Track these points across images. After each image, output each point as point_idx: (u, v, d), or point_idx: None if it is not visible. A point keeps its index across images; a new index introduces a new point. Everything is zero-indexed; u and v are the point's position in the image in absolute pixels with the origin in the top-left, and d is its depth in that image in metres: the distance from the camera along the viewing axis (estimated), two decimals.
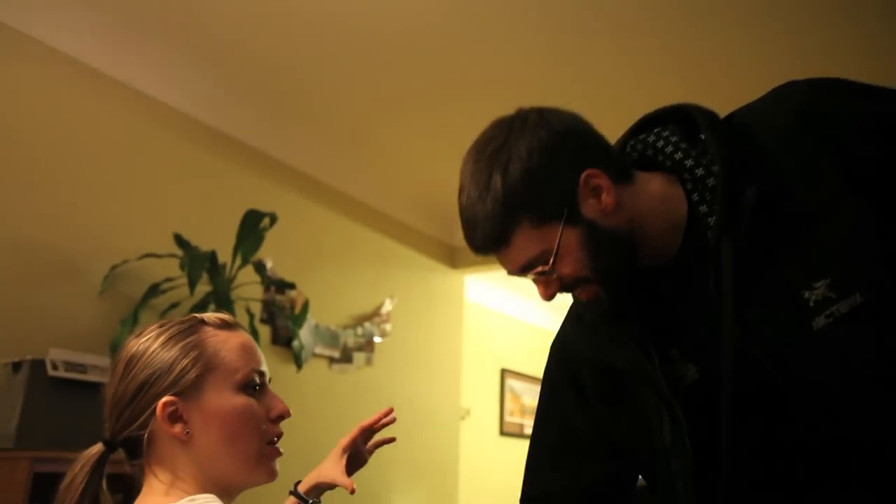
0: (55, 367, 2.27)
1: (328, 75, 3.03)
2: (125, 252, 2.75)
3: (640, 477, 1.12)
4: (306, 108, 3.33)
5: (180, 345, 0.93)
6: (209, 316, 0.99)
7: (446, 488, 4.47)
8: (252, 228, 2.80)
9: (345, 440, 1.32)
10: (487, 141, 0.97)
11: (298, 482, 1.30)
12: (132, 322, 2.56)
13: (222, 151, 3.38)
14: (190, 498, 0.86)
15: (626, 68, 2.98)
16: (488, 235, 0.96)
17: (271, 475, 0.95)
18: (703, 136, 0.96)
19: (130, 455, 0.93)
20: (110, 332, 2.60)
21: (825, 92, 0.96)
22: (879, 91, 0.95)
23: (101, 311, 2.70)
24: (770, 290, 0.90)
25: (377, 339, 4.05)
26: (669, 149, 0.99)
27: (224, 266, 2.77)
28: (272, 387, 1.00)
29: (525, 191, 0.93)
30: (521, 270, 0.98)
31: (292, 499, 1.27)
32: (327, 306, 3.78)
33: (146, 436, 0.90)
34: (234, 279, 2.80)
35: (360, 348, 3.93)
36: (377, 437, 1.38)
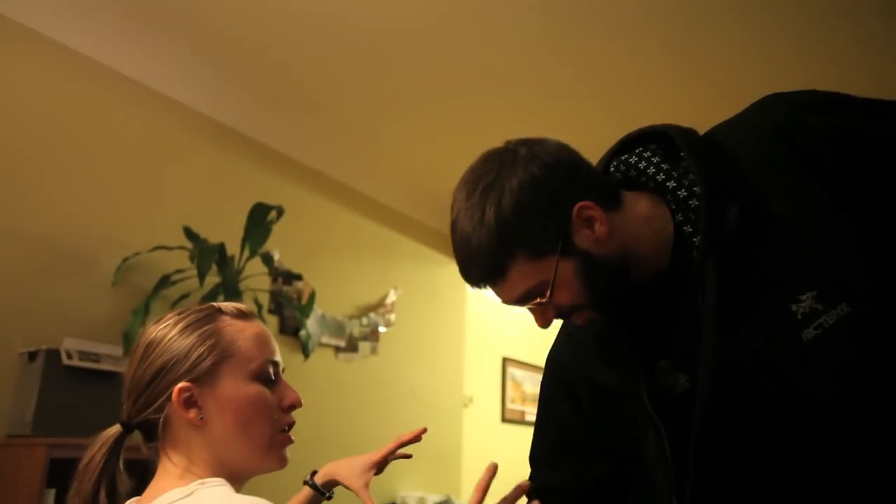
0: (69, 356, 2.32)
1: (334, 71, 3.06)
2: (136, 245, 2.80)
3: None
4: (312, 104, 3.35)
5: (198, 332, 0.94)
6: (226, 305, 1.00)
7: (449, 474, 4.53)
8: (259, 221, 2.84)
9: (377, 456, 1.31)
10: (479, 177, 0.97)
11: (314, 472, 1.31)
12: (144, 312, 2.61)
13: (231, 147, 3.42)
14: (200, 481, 0.88)
15: (626, 68, 2.99)
16: (483, 270, 0.97)
17: (282, 462, 0.97)
18: (683, 161, 0.97)
19: (147, 437, 0.96)
20: (123, 323, 2.66)
21: (803, 107, 0.96)
22: (859, 104, 0.96)
23: (113, 301, 2.75)
24: (758, 305, 0.91)
25: (382, 329, 4.09)
26: (651, 170, 0.99)
27: (232, 258, 2.81)
28: (284, 376, 1.02)
29: (519, 226, 0.93)
30: (518, 302, 0.99)
31: (307, 489, 1.28)
32: (333, 297, 3.83)
33: (162, 420, 0.92)
34: (243, 270, 2.85)
35: (365, 338, 3.98)
36: (399, 451, 1.37)
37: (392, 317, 4.18)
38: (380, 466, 1.32)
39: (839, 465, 0.89)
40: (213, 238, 2.78)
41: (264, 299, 3.26)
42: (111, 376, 2.39)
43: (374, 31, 2.77)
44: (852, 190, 0.89)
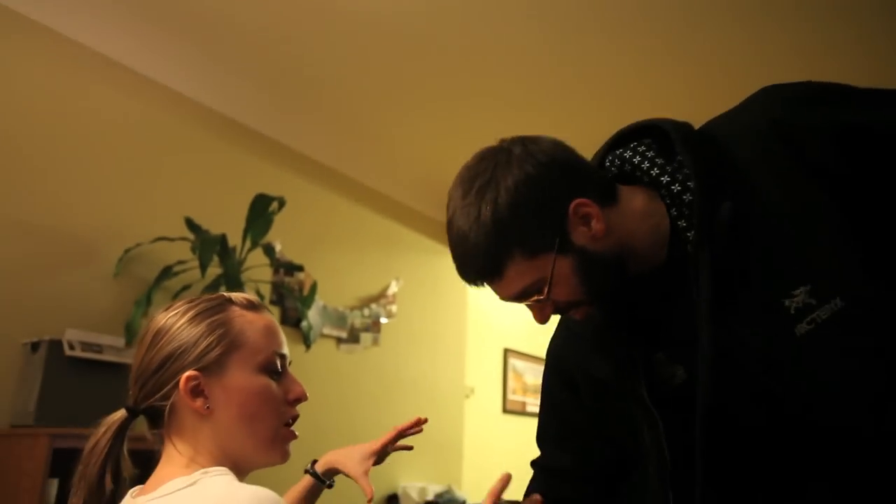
0: (72, 347, 2.33)
1: (336, 62, 3.05)
2: (138, 236, 2.80)
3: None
4: (314, 95, 3.35)
5: (207, 322, 0.95)
6: (237, 296, 1.00)
7: (451, 464, 4.55)
8: (261, 212, 2.84)
9: (377, 444, 1.32)
10: (474, 176, 0.97)
11: (315, 461, 1.32)
12: (146, 303, 2.62)
13: (232, 138, 3.42)
14: (203, 470, 0.88)
15: (627, 68, 2.99)
16: (480, 269, 0.97)
17: (284, 457, 0.97)
18: (679, 156, 0.97)
19: (152, 424, 0.96)
20: (125, 314, 2.66)
21: (801, 99, 0.96)
22: (858, 95, 0.95)
23: (115, 293, 2.76)
24: (752, 300, 0.91)
25: (383, 320, 4.10)
26: (646, 164, 0.99)
27: (234, 249, 2.81)
28: (290, 369, 1.03)
29: (515, 225, 0.93)
30: (516, 299, 0.99)
31: (308, 477, 1.29)
32: (335, 288, 3.83)
33: (168, 407, 0.92)
34: (244, 262, 2.85)
35: (366, 329, 3.99)
36: (400, 441, 1.39)
37: (394, 308, 4.19)
38: (379, 456, 1.34)
39: (834, 455, 0.89)
40: (215, 229, 2.79)
41: (266, 290, 3.27)
42: (113, 367, 2.40)
43: (377, 22, 2.77)
44: (850, 183, 0.89)
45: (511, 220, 0.94)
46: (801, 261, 0.89)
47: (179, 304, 0.99)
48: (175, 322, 0.95)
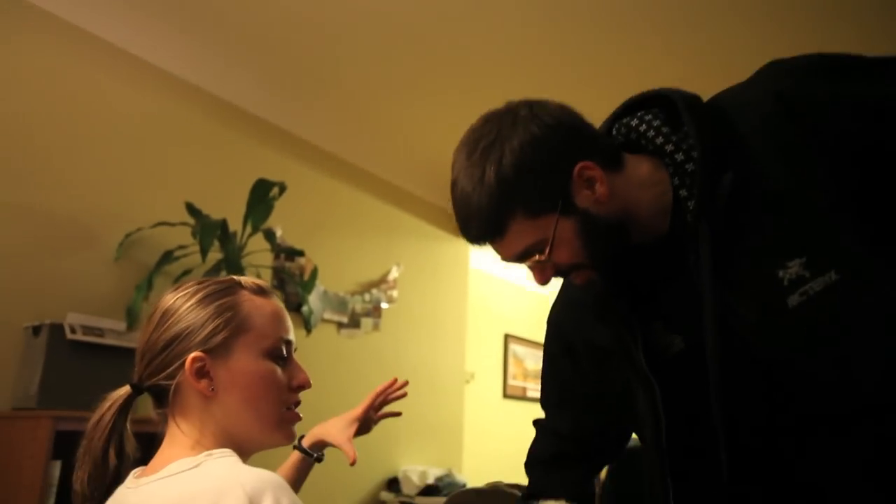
0: (73, 330, 2.34)
1: (337, 48, 3.04)
2: (139, 220, 2.80)
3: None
4: (315, 81, 3.34)
5: (215, 304, 0.95)
6: (246, 280, 1.01)
7: (451, 449, 4.57)
8: (262, 197, 2.84)
9: (358, 410, 1.34)
10: (479, 137, 0.98)
11: (302, 436, 1.33)
12: (147, 288, 2.62)
13: (233, 123, 3.42)
14: (207, 452, 0.89)
15: (627, 66, 2.97)
16: (483, 228, 0.97)
17: (290, 438, 0.99)
18: (684, 126, 0.97)
19: (156, 403, 0.97)
20: (126, 298, 2.67)
21: (806, 72, 0.96)
22: (867, 65, 0.95)
23: (116, 277, 2.76)
24: (746, 270, 0.92)
25: (384, 305, 4.11)
26: (651, 133, 1.00)
27: (235, 234, 2.81)
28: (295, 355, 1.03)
29: (519, 185, 0.94)
30: (517, 259, 1.00)
31: (296, 453, 1.30)
32: (335, 273, 3.84)
33: (173, 387, 0.93)
34: (245, 247, 2.85)
35: (367, 314, 3.99)
36: (386, 408, 1.41)
37: (394, 293, 4.19)
38: (363, 423, 1.35)
39: (818, 436, 0.91)
40: (216, 214, 2.79)
41: (266, 275, 3.28)
42: (115, 351, 2.41)
43: (378, 8, 2.75)
44: (853, 156, 0.89)
45: (515, 181, 0.94)
46: (798, 233, 0.90)
47: (189, 284, 0.99)
48: (184, 303, 0.96)
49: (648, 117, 1.02)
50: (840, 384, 0.88)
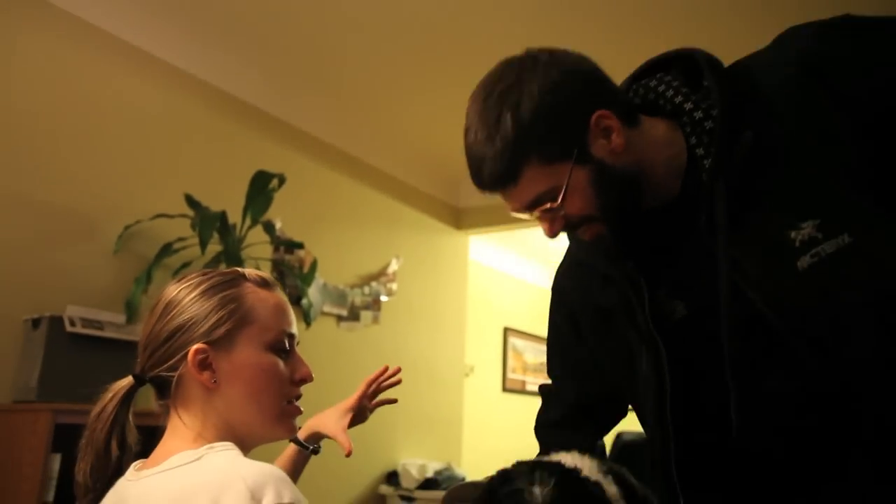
0: (73, 323, 2.34)
1: (338, 40, 3.03)
2: (138, 213, 2.79)
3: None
4: (315, 73, 3.33)
5: (219, 296, 0.95)
6: (250, 272, 1.01)
7: (450, 442, 4.58)
8: (261, 189, 2.84)
9: (351, 400, 1.33)
10: (496, 81, 0.97)
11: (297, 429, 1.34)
12: (146, 280, 2.62)
13: (232, 114, 3.40)
14: (209, 445, 0.89)
15: (625, 61, 2.93)
16: (496, 173, 0.96)
17: (291, 431, 0.99)
18: (705, 82, 0.97)
19: (159, 394, 0.97)
20: (125, 290, 2.66)
21: (829, 32, 0.94)
22: (891, 26, 0.93)
23: (115, 269, 2.75)
24: (758, 230, 0.91)
25: (384, 298, 4.11)
26: (670, 93, 1.00)
27: (234, 226, 2.81)
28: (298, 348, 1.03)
29: (536, 130, 0.92)
30: (528, 207, 0.98)
31: (292, 446, 1.29)
32: (335, 266, 3.83)
33: (175, 378, 0.92)
34: (244, 239, 2.85)
35: (367, 307, 3.99)
36: (381, 396, 1.40)
37: (394, 286, 4.19)
38: (358, 412, 1.34)
39: (827, 399, 0.90)
40: (215, 206, 2.78)
41: (266, 268, 3.27)
42: (114, 343, 2.41)
43: (378, 1, 2.74)
44: (875, 116, 0.88)
45: (532, 125, 0.92)
46: (813, 194, 0.89)
47: (193, 275, 0.99)
48: (187, 294, 0.96)
49: (668, 78, 1.02)
50: (840, 348, 0.87)
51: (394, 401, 1.42)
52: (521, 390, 6.00)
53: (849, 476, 0.90)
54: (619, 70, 1.05)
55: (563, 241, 1.24)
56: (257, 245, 2.98)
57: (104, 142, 2.82)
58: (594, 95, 0.96)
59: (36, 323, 2.35)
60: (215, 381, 0.92)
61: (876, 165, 0.87)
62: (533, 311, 6.24)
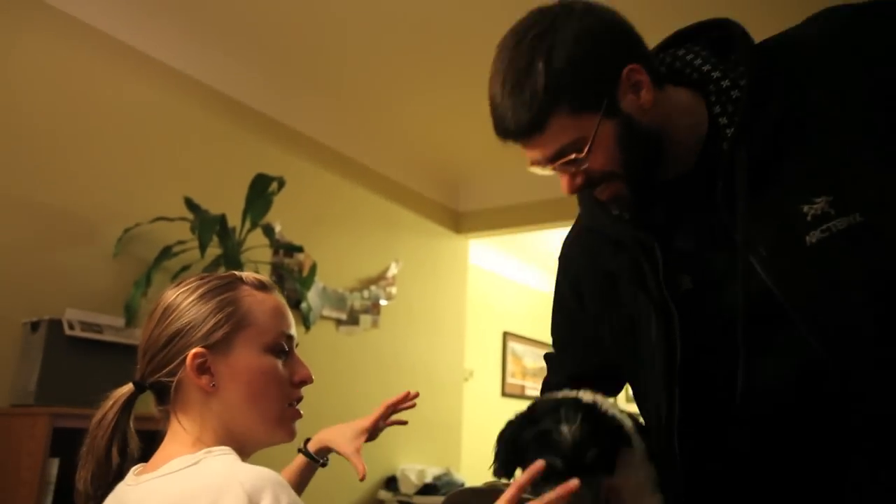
0: (72, 326, 2.33)
1: (336, 42, 3.04)
2: (137, 216, 2.79)
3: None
4: (314, 75, 3.33)
5: (216, 300, 0.95)
6: (248, 275, 1.01)
7: (449, 447, 4.57)
8: (261, 192, 2.83)
9: (368, 421, 1.31)
10: (528, 27, 0.95)
11: (308, 440, 1.31)
12: (145, 284, 2.61)
13: (232, 117, 3.41)
14: (207, 450, 0.89)
15: None
16: (523, 121, 0.94)
17: (291, 435, 0.98)
18: (733, 55, 0.97)
19: (158, 400, 0.97)
20: (124, 294, 2.65)
21: (861, 13, 0.94)
22: None
23: (115, 272, 2.75)
24: (770, 202, 0.91)
25: (383, 302, 4.10)
26: (698, 61, 1.00)
27: (233, 229, 2.80)
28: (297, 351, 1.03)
29: (568, 78, 0.91)
30: (551, 159, 0.97)
31: (302, 457, 1.29)
32: (334, 269, 3.83)
33: (174, 383, 0.92)
34: (244, 242, 2.84)
35: (366, 311, 3.99)
36: (394, 417, 1.39)
37: (393, 290, 4.19)
38: (372, 432, 1.33)
39: (836, 364, 0.89)
40: (215, 209, 2.78)
41: (265, 271, 3.27)
42: (113, 347, 2.40)
43: (378, 2, 2.74)
44: None
45: (564, 73, 0.91)
46: (831, 171, 0.88)
47: (191, 280, 0.99)
48: (185, 299, 0.96)
49: (697, 48, 1.02)
50: (839, 326, 0.87)
51: (404, 422, 1.42)
52: (521, 395, 5.98)
53: (848, 454, 0.90)
54: None
55: (564, 236, 1.26)
56: (257, 248, 2.98)
57: (103, 144, 2.82)
58: (627, 47, 0.95)
59: (35, 326, 2.34)
60: (214, 385, 0.92)
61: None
62: (533, 315, 6.23)
